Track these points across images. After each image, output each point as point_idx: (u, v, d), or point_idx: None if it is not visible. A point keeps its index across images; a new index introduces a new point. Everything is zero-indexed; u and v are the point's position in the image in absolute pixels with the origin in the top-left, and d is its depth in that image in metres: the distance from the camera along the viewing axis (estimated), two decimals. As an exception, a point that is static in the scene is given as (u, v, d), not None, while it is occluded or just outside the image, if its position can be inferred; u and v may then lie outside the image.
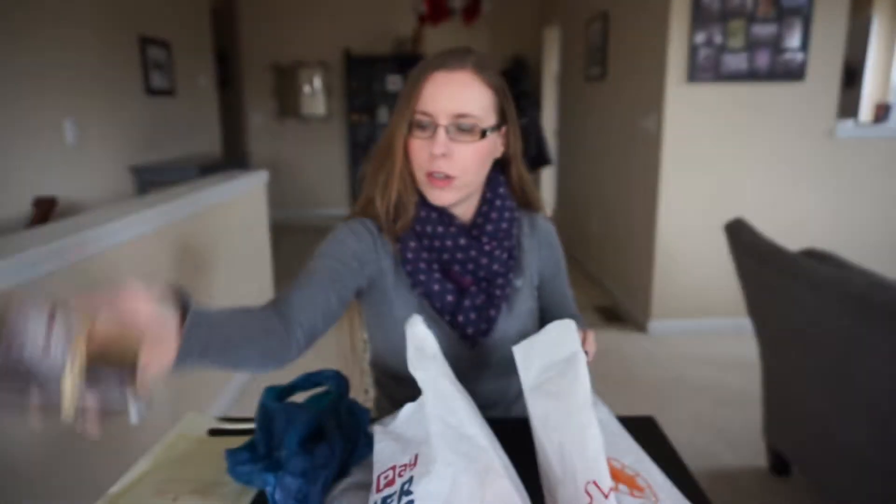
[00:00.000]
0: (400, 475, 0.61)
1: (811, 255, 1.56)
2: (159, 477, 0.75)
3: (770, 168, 2.98)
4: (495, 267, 0.94)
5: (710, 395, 2.46)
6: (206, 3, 4.83)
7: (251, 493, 0.72)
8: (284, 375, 0.85)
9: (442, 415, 0.62)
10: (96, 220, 1.62)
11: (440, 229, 0.92)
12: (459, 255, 0.92)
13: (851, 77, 4.59)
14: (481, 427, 0.62)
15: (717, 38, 2.79)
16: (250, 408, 0.76)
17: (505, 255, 0.95)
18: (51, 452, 1.36)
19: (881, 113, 3.15)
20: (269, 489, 0.66)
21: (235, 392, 2.49)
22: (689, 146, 2.95)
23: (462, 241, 0.91)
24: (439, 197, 0.89)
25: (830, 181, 3.02)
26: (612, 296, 3.73)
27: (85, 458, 1.48)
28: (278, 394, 0.79)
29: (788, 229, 2.82)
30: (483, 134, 0.87)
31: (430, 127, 0.86)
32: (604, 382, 2.60)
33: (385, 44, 6.31)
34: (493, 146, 0.92)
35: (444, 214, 0.93)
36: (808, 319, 1.50)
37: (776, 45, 2.80)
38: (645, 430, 0.87)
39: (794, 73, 2.83)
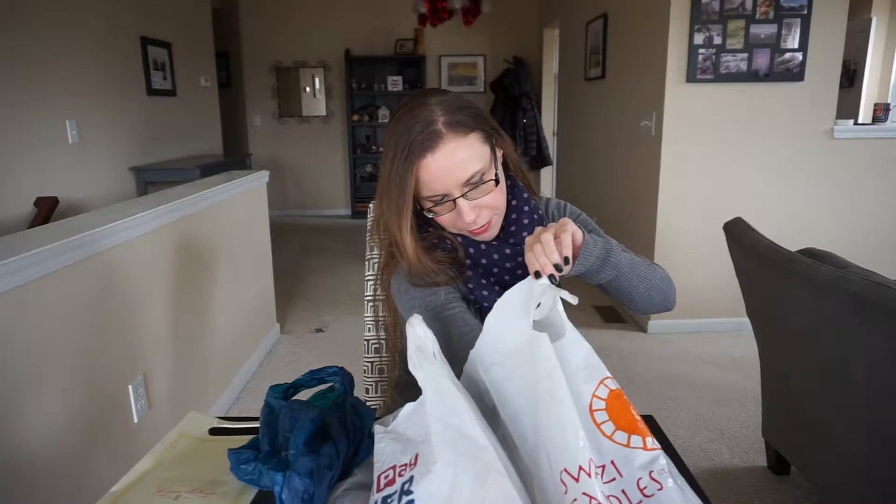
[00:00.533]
0: (400, 475, 0.61)
1: (810, 254, 1.56)
2: (160, 476, 0.76)
3: (769, 168, 2.99)
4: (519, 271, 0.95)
5: (710, 395, 2.47)
6: (207, 4, 4.83)
7: (252, 493, 0.72)
8: (289, 373, 0.85)
9: (442, 414, 0.62)
10: (97, 220, 1.63)
11: (483, 247, 0.94)
12: (508, 265, 0.94)
13: (850, 77, 4.60)
14: (482, 427, 0.62)
15: (717, 39, 2.79)
16: (250, 407, 0.76)
17: None
18: (53, 452, 1.36)
19: (880, 113, 3.15)
20: (276, 489, 0.66)
21: (236, 392, 2.49)
22: (688, 146, 2.95)
23: (507, 251, 0.94)
24: (487, 237, 0.93)
25: (829, 181, 3.02)
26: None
27: (87, 457, 1.48)
28: (283, 392, 0.79)
29: (787, 229, 2.83)
30: (496, 179, 0.88)
31: (448, 201, 0.87)
32: (604, 382, 2.60)
33: (386, 44, 6.32)
34: (500, 173, 0.91)
35: (477, 241, 0.95)
36: (808, 319, 1.51)
37: (775, 46, 2.80)
38: (644, 430, 0.87)
39: (794, 74, 2.84)
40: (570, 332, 0.67)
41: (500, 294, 0.87)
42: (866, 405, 1.36)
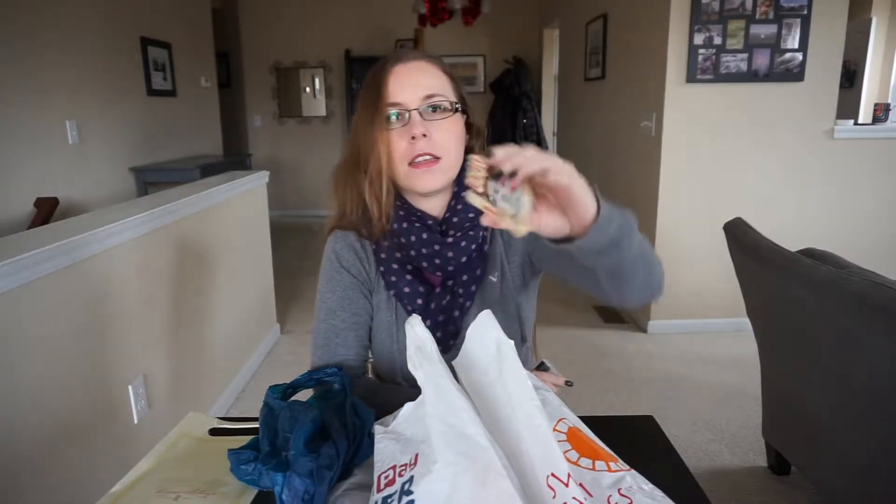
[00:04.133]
0: (400, 475, 0.61)
1: (810, 255, 1.56)
2: (161, 476, 0.75)
3: (769, 168, 2.99)
4: (463, 259, 0.93)
5: (710, 395, 2.47)
6: (207, 4, 4.83)
7: (252, 493, 0.72)
8: (289, 374, 0.85)
9: (442, 414, 0.62)
10: (97, 221, 1.63)
11: (405, 225, 0.92)
12: (425, 250, 0.91)
13: (850, 78, 4.60)
14: (482, 427, 0.63)
15: (717, 39, 2.79)
16: (250, 407, 0.77)
17: (473, 247, 0.93)
18: (53, 452, 1.36)
19: (880, 113, 3.15)
20: (277, 489, 0.66)
21: (236, 392, 2.49)
22: (688, 147, 2.95)
23: (425, 235, 0.91)
24: (428, 182, 0.88)
25: (829, 181, 3.02)
26: (612, 296, 3.73)
27: (87, 457, 1.48)
28: (282, 392, 0.79)
29: (788, 229, 2.82)
30: (454, 109, 0.89)
31: (403, 116, 0.87)
32: (604, 382, 2.60)
33: (386, 44, 6.32)
34: (462, 126, 0.92)
35: (412, 211, 0.93)
36: (808, 319, 1.51)
37: (775, 46, 2.80)
38: (645, 430, 0.87)
39: (794, 74, 2.84)
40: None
41: (408, 283, 0.94)
42: (867, 405, 1.36)
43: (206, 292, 2.27)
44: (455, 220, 0.92)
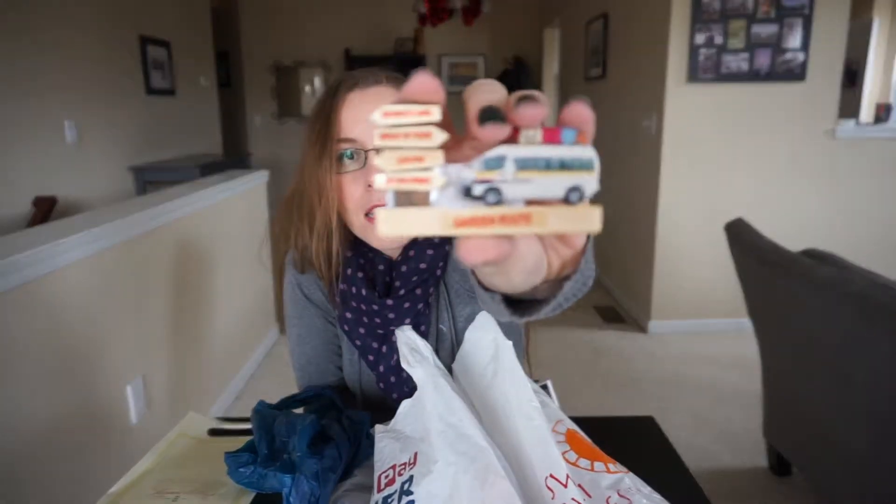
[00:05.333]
0: (400, 474, 0.61)
1: (811, 255, 1.56)
2: (160, 476, 0.75)
3: (770, 168, 2.98)
4: (407, 321, 0.82)
5: (710, 395, 2.46)
6: (207, 3, 4.83)
7: (251, 494, 0.72)
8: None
9: (442, 413, 0.62)
10: (95, 220, 1.62)
11: (349, 271, 0.82)
12: (364, 307, 0.81)
13: (852, 77, 4.59)
14: (480, 428, 0.62)
15: (718, 39, 2.79)
16: (249, 408, 0.76)
17: (419, 306, 0.81)
18: (52, 453, 1.36)
19: (882, 113, 3.15)
20: (285, 491, 0.65)
21: (235, 392, 2.49)
22: (689, 146, 2.95)
23: (364, 292, 0.80)
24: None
25: (831, 181, 3.02)
26: (612, 296, 3.73)
27: (86, 458, 1.48)
28: (270, 409, 0.80)
29: (788, 229, 2.82)
30: None
31: (358, 156, 0.73)
32: (604, 382, 2.60)
33: (385, 44, 6.31)
34: None
35: (362, 251, 0.83)
36: (808, 319, 1.50)
37: (777, 46, 2.80)
38: (645, 430, 0.87)
39: (795, 74, 2.83)
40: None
41: (360, 337, 0.84)
42: (868, 406, 1.36)
43: (205, 292, 2.27)
44: (404, 268, 0.80)
